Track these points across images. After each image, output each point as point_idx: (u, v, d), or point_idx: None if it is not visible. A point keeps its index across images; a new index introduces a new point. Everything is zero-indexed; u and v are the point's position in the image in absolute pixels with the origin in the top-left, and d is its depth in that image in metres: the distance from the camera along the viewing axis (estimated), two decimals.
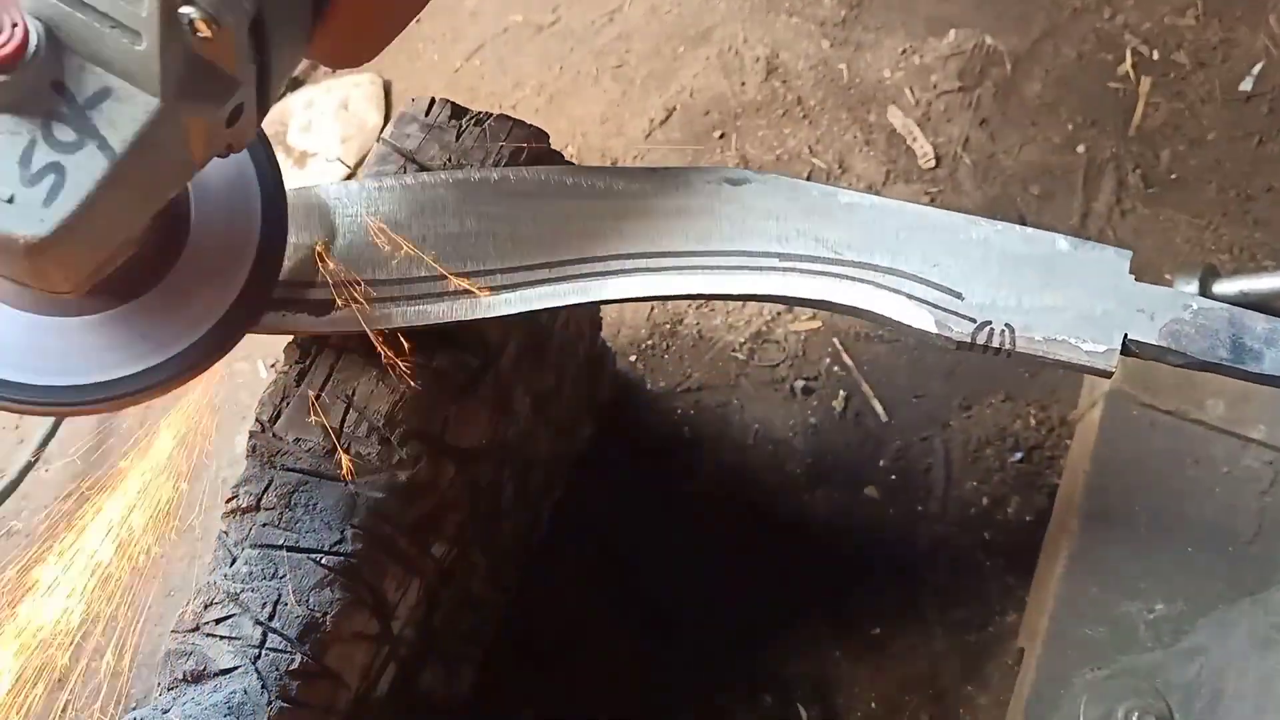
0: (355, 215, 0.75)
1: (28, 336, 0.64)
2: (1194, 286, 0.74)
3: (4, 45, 0.52)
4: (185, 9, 0.52)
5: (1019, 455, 1.10)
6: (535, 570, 1.06)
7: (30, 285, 0.59)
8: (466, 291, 0.74)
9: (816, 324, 1.17)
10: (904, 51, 1.29)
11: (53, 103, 0.54)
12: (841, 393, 1.14)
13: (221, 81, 0.56)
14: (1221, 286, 0.74)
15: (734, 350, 1.17)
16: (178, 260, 0.66)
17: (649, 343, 1.18)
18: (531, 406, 0.91)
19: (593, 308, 1.00)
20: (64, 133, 0.54)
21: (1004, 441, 1.11)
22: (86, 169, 0.54)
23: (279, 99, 1.36)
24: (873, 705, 1.02)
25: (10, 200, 0.53)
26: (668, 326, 1.19)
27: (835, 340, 1.16)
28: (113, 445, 1.19)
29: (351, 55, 0.66)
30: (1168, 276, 1.10)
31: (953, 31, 1.30)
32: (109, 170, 0.54)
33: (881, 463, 1.11)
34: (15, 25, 0.52)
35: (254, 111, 0.59)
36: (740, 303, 1.17)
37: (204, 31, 0.52)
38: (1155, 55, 1.27)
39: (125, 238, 0.60)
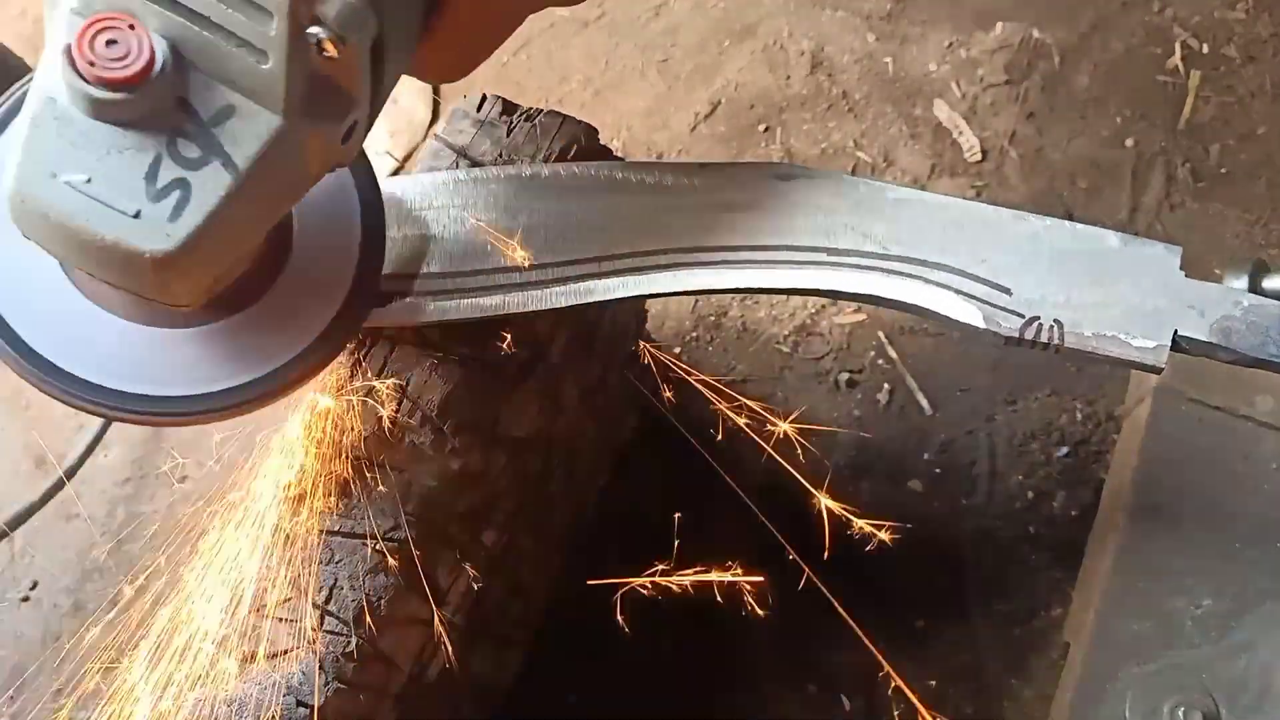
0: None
1: (136, 347, 0.64)
2: (1243, 282, 0.74)
3: (132, 63, 0.52)
4: (314, 29, 0.52)
5: (1065, 450, 1.10)
6: (580, 557, 1.07)
7: (151, 299, 0.59)
8: (518, 285, 0.75)
9: (861, 317, 1.17)
10: (950, 45, 1.29)
11: (178, 120, 0.55)
12: (886, 385, 1.14)
13: (341, 100, 0.57)
14: (1271, 281, 0.74)
15: (778, 343, 1.17)
16: (281, 274, 0.67)
17: (694, 335, 1.19)
18: (579, 397, 0.92)
19: (640, 301, 1.01)
20: (189, 149, 0.55)
21: (1050, 436, 1.10)
22: (211, 185, 0.55)
23: None
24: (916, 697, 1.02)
25: (137, 215, 0.54)
26: (712, 319, 1.19)
27: (880, 333, 1.16)
28: (168, 430, 1.22)
29: (450, 70, 0.67)
30: (1217, 271, 1.09)
31: (1000, 25, 1.29)
32: (232, 187, 0.55)
33: (926, 456, 1.11)
34: (143, 44, 0.53)
35: (365, 128, 0.60)
36: (785, 296, 1.17)
37: (330, 51, 0.53)
38: (1205, 49, 1.26)
39: (244, 252, 0.62)
